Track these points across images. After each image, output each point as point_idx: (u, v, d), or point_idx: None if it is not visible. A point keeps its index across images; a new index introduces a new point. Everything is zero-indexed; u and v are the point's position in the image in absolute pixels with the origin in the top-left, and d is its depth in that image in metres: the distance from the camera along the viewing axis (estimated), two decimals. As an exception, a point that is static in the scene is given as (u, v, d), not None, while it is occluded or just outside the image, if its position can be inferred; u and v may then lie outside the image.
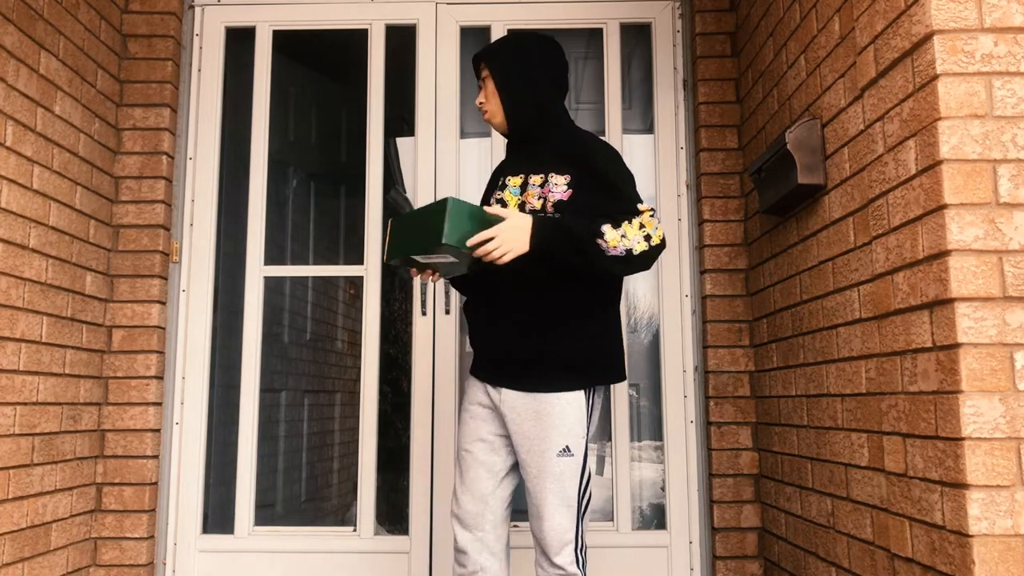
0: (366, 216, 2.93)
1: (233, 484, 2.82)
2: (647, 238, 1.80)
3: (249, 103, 3.00)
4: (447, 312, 2.84)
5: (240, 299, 2.91)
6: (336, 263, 3.71)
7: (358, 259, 2.95)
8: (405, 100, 3.08)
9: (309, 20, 3.02)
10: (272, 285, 3.21)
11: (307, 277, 3.59)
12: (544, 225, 1.79)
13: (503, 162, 2.08)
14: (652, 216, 1.84)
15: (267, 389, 3.09)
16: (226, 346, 2.99)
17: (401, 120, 3.47)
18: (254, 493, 2.82)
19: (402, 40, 3.05)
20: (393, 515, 3.46)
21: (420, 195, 2.92)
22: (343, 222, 3.66)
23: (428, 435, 2.80)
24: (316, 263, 3.59)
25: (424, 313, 2.84)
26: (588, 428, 1.88)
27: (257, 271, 2.92)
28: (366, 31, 3.02)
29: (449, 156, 2.93)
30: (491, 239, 1.75)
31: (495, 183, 2.06)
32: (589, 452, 1.90)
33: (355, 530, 2.78)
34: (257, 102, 3.00)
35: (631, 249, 1.79)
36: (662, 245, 1.84)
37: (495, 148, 2.95)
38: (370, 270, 2.90)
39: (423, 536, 2.74)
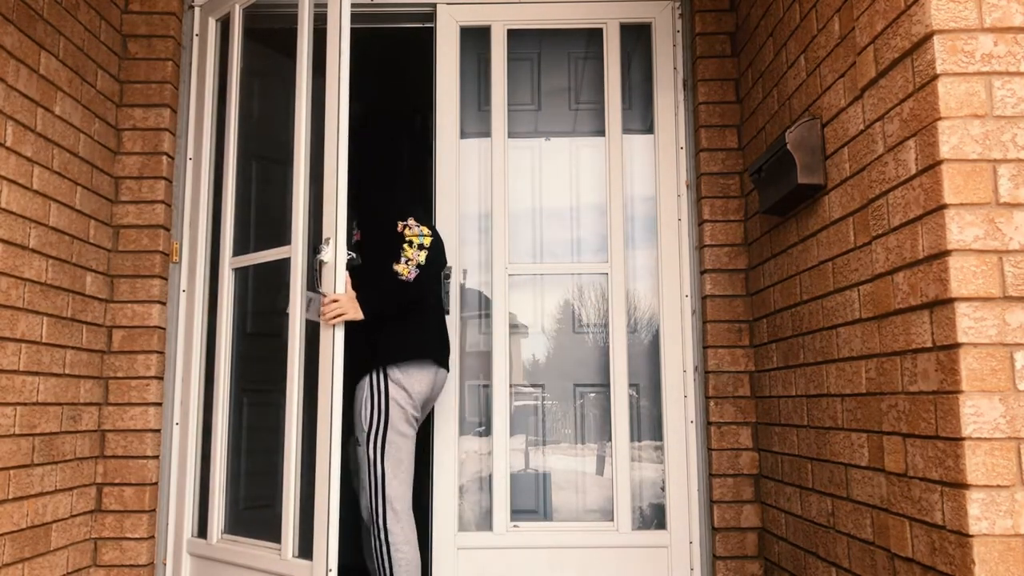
0: (294, 193, 2.59)
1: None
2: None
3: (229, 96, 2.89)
4: (447, 312, 2.84)
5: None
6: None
7: (287, 240, 2.61)
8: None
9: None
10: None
11: (248, 266, 3.26)
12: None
13: None
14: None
15: (249, 388, 2.97)
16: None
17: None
18: (224, 498, 2.70)
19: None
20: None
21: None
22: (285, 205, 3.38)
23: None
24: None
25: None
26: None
27: (227, 263, 2.79)
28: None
29: (449, 156, 2.93)
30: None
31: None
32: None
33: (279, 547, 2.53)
34: (230, 90, 2.84)
35: None
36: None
37: (495, 148, 2.95)
38: (296, 250, 2.56)
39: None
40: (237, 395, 2.82)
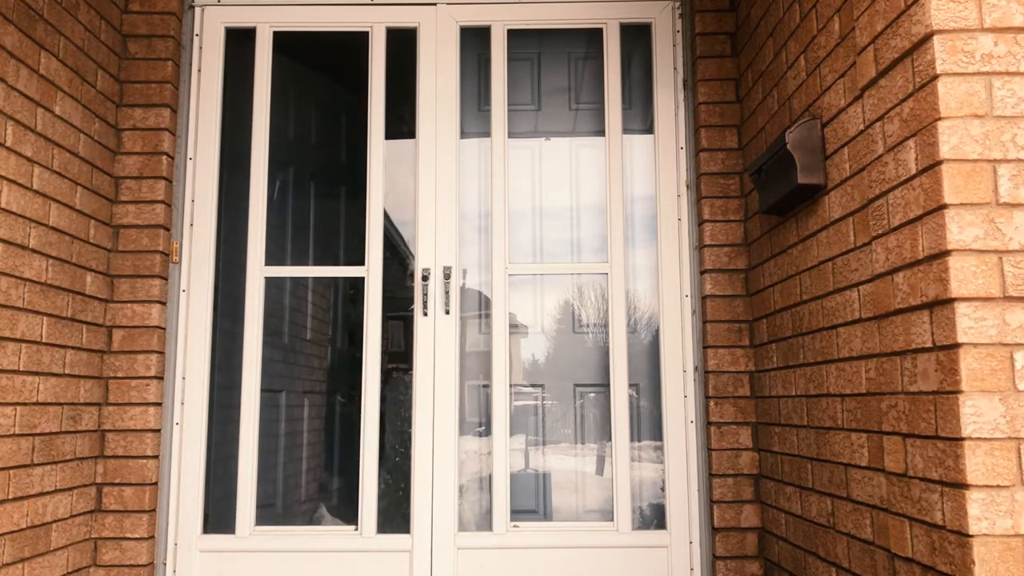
0: (367, 216, 2.93)
1: (234, 484, 2.82)
2: None
3: (249, 104, 3.00)
4: (447, 312, 2.85)
5: (240, 299, 2.91)
6: (337, 264, 3.70)
7: (359, 259, 2.95)
8: (408, 101, 3.08)
9: (309, 21, 3.02)
10: (274, 285, 3.21)
11: (307, 278, 3.58)
12: None
13: None
14: None
15: (267, 389, 3.08)
16: (226, 346, 2.99)
17: (401, 121, 3.47)
18: (255, 493, 2.83)
19: (401, 40, 3.05)
20: (395, 514, 3.46)
21: (421, 195, 2.92)
22: (344, 223, 3.65)
23: (429, 436, 2.80)
24: (316, 263, 3.57)
25: (426, 314, 2.85)
26: None
27: (258, 272, 2.92)
28: (367, 33, 3.02)
29: (449, 156, 2.93)
30: None
31: None
32: None
33: (356, 529, 2.78)
34: (257, 103, 3.00)
35: None
36: None
37: (495, 148, 2.95)
38: (371, 270, 2.90)
39: (425, 534, 2.75)
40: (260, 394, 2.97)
